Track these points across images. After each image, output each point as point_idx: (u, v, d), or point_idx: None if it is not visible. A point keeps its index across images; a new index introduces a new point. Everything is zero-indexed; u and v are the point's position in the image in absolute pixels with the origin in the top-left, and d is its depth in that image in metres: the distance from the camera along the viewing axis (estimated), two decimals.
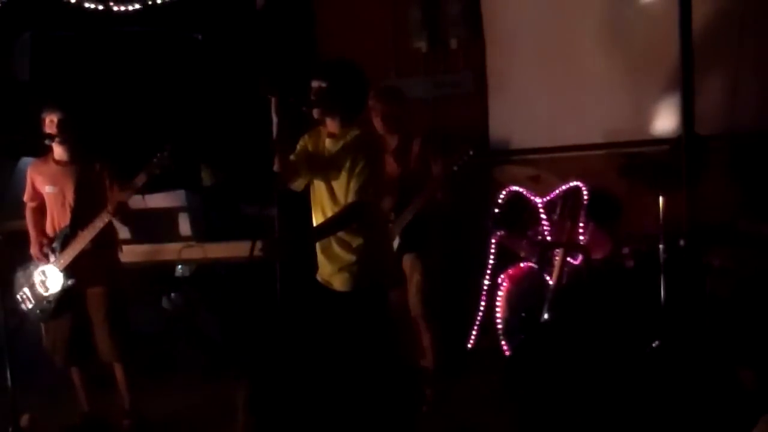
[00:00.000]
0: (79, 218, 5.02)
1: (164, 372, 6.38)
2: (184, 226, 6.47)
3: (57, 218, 5.13)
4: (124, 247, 5.48)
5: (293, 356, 4.35)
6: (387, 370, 4.26)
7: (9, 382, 4.88)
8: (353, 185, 4.12)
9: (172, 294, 7.16)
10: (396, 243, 5.48)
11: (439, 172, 5.54)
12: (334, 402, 4.27)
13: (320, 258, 4.34)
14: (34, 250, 5.18)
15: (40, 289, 5.14)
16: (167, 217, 6.45)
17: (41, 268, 5.15)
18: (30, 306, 5.19)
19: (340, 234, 4.21)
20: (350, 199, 4.13)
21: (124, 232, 5.68)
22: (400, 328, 5.27)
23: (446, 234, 5.88)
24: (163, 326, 7.02)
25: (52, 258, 5.10)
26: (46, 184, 5.14)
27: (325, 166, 4.25)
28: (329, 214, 4.24)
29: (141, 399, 5.35)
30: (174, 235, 6.47)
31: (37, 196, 5.21)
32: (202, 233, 6.39)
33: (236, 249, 5.98)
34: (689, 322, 4.75)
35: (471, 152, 5.50)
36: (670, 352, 4.66)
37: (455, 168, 5.50)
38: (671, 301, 4.79)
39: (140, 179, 4.89)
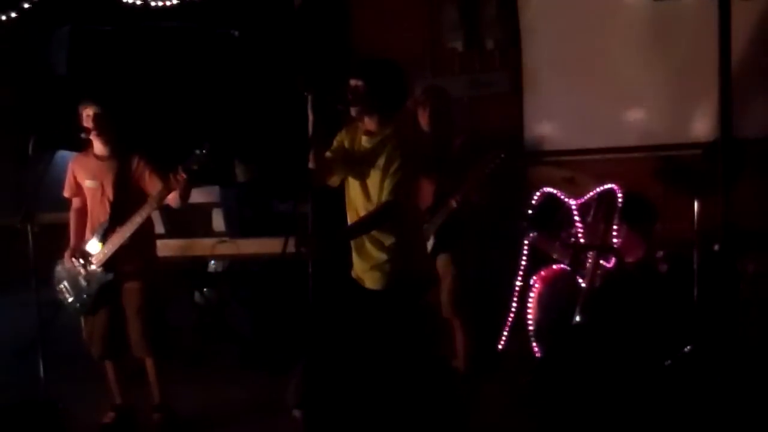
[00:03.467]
0: (118, 213, 5.04)
1: (195, 367, 6.42)
2: (218, 221, 6.50)
3: (96, 213, 5.16)
4: (158, 242, 5.50)
5: (326, 353, 4.37)
6: (418, 369, 4.25)
7: (42, 373, 4.93)
8: (387, 184, 4.11)
9: (205, 289, 7.21)
10: (430, 243, 5.47)
11: (473, 174, 5.50)
12: (365, 399, 4.27)
13: (354, 255, 4.34)
14: (67, 254, 5.22)
15: (80, 283, 5.17)
16: (201, 212, 6.49)
17: (81, 261, 5.17)
18: (70, 299, 5.23)
19: (374, 232, 4.20)
20: (384, 197, 4.13)
21: (158, 227, 5.70)
22: (434, 327, 5.26)
23: (480, 235, 5.86)
24: (195, 321, 7.07)
25: (77, 264, 5.13)
26: (86, 178, 5.16)
27: (360, 163, 4.24)
28: (363, 212, 4.23)
29: (171, 393, 5.38)
30: (207, 231, 6.51)
31: (78, 190, 5.24)
32: (236, 229, 6.41)
33: (269, 245, 5.97)
34: (722, 327, 4.71)
35: (503, 155, 5.43)
36: (702, 357, 4.62)
37: (487, 171, 5.46)
38: (705, 307, 4.76)
39: (180, 174, 4.88)
